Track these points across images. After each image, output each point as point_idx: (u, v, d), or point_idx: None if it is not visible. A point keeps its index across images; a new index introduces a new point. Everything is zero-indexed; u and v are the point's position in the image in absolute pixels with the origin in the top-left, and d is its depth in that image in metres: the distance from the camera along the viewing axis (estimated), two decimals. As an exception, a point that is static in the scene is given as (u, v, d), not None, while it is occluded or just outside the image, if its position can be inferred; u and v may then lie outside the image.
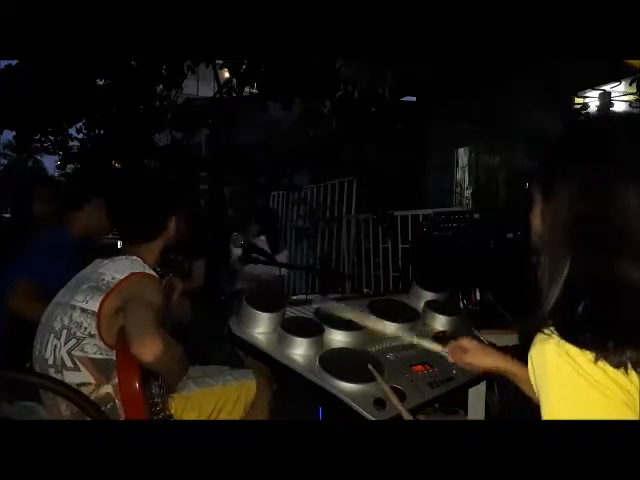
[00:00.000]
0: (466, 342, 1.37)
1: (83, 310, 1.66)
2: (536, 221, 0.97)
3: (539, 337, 0.85)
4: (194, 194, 8.69)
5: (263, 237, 3.96)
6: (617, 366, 0.77)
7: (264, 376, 2.04)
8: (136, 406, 1.57)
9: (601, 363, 0.78)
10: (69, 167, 13.94)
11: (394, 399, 1.33)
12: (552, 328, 0.83)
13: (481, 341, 1.53)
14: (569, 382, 0.79)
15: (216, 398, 1.91)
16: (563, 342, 0.80)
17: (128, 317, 1.62)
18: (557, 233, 0.91)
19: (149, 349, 1.53)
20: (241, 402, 1.95)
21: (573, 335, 0.80)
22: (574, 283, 0.86)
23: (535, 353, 0.85)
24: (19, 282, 2.22)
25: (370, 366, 1.42)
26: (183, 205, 2.04)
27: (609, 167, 0.89)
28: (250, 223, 4.06)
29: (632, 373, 0.78)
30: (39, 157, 19.05)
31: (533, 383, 0.86)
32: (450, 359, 1.40)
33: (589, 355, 0.78)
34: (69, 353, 1.65)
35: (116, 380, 1.66)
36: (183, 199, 2.08)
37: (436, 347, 1.43)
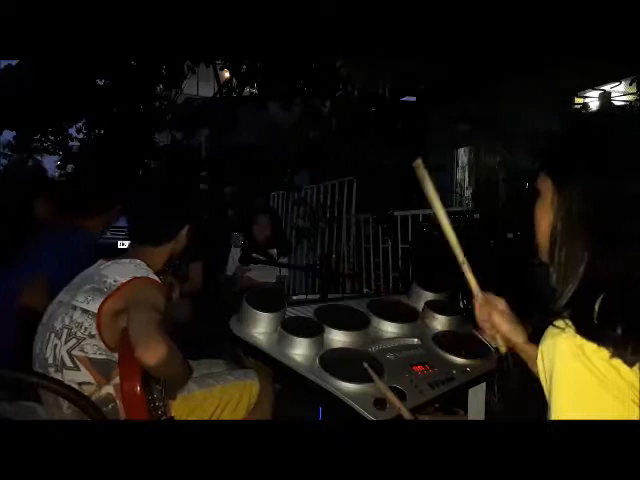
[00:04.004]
0: (499, 301, 1.27)
1: (84, 311, 1.66)
2: (545, 215, 0.93)
3: (550, 331, 0.83)
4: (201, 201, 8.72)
5: (275, 250, 3.96)
6: (632, 364, 0.76)
7: (266, 377, 2.03)
8: (137, 409, 1.56)
9: (614, 360, 0.76)
10: (69, 167, 13.94)
11: (391, 397, 1.33)
12: (566, 322, 0.81)
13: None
14: (578, 378, 0.78)
15: (217, 399, 1.90)
16: (575, 337, 0.79)
17: (132, 321, 1.61)
18: (575, 227, 0.87)
19: (153, 354, 1.52)
20: (243, 403, 1.94)
21: (590, 331, 0.78)
22: (592, 278, 0.83)
23: (546, 347, 0.83)
24: (34, 280, 2.25)
25: (365, 364, 1.42)
26: (197, 217, 2.06)
27: (633, 159, 0.86)
28: (264, 235, 4.04)
29: None
30: (39, 157, 19.03)
31: (542, 377, 0.85)
32: (477, 309, 1.29)
33: (601, 351, 0.77)
34: (69, 353, 1.65)
35: (117, 380, 1.66)
36: (197, 211, 2.11)
37: (474, 286, 1.30)
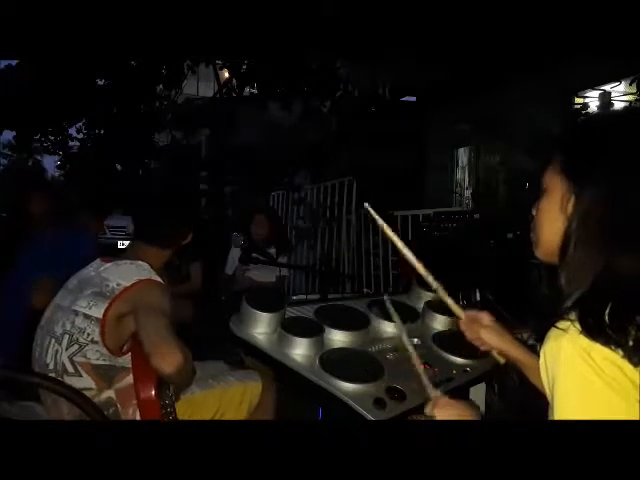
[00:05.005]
0: (484, 317, 1.29)
1: (86, 316, 1.63)
2: (557, 215, 0.90)
3: (553, 332, 0.82)
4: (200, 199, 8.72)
5: (273, 249, 3.96)
6: (637, 364, 0.75)
7: (268, 378, 2.00)
8: (153, 412, 1.55)
9: (619, 361, 0.76)
10: (69, 167, 13.97)
11: (417, 364, 1.16)
12: (573, 323, 0.80)
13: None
14: (583, 379, 0.77)
15: (218, 400, 1.88)
16: (579, 338, 0.78)
17: (143, 328, 1.59)
18: (593, 229, 0.84)
19: (170, 362, 1.51)
20: (245, 405, 1.92)
21: (600, 333, 0.77)
22: (606, 281, 0.81)
23: (549, 348, 0.82)
24: (38, 282, 2.25)
25: (387, 301, 1.28)
26: (200, 219, 2.07)
27: None
28: (262, 234, 4.05)
29: None
30: (39, 157, 19.05)
31: (544, 378, 0.84)
32: (462, 327, 1.30)
33: (605, 352, 0.76)
34: (70, 359, 1.63)
35: (119, 385, 1.64)
36: (199, 216, 2.10)
37: (455, 308, 1.30)
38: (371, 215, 1.27)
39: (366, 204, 1.31)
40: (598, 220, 0.84)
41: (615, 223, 0.84)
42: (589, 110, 5.21)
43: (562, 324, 0.81)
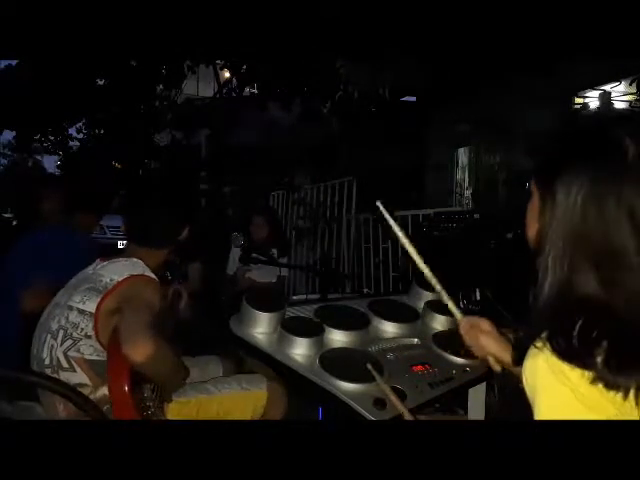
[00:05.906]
0: (484, 323, 1.31)
1: (80, 311, 1.65)
2: (532, 220, 0.93)
3: (532, 350, 0.83)
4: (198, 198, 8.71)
5: (274, 250, 3.95)
6: (613, 387, 0.75)
7: (278, 385, 1.93)
8: (124, 407, 1.54)
9: (592, 378, 0.76)
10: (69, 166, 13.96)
11: (394, 399, 1.33)
12: (544, 342, 0.81)
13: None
14: (558, 398, 0.78)
15: (216, 407, 1.84)
16: (553, 356, 0.79)
17: (123, 317, 1.59)
18: (554, 234, 0.86)
19: (141, 350, 1.49)
20: (247, 413, 1.87)
21: (569, 354, 0.77)
22: (569, 295, 0.82)
23: (528, 366, 0.84)
24: (38, 283, 2.25)
25: (369, 366, 1.42)
26: (197, 218, 2.05)
27: (613, 172, 0.83)
28: (260, 235, 4.05)
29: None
30: (39, 157, 19.06)
31: (527, 394, 0.85)
32: (462, 332, 1.32)
33: (579, 370, 0.76)
34: (65, 354, 1.64)
35: None
36: (198, 212, 2.08)
37: (456, 312, 1.35)
38: (382, 213, 1.30)
39: (378, 202, 1.34)
40: (556, 227, 0.86)
41: (571, 231, 0.84)
42: (589, 110, 5.21)
43: (539, 342, 0.82)
